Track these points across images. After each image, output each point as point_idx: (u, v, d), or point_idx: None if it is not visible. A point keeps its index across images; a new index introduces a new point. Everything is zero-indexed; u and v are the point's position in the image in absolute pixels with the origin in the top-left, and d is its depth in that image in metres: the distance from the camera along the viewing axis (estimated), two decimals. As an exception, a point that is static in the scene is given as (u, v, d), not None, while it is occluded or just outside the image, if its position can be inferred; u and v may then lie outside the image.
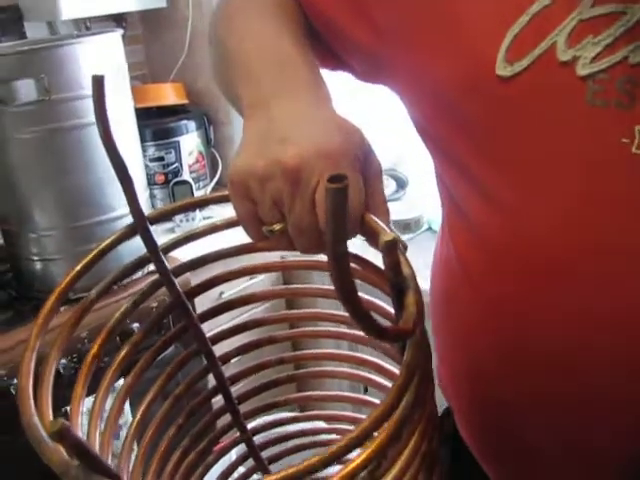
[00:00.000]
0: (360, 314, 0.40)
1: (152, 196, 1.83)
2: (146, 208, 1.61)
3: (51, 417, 0.47)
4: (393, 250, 0.42)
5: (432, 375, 0.52)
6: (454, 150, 0.62)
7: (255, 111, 0.55)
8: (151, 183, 1.87)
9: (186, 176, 1.97)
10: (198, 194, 1.99)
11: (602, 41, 0.53)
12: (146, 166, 1.85)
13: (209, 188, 2.08)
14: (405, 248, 0.51)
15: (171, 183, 1.94)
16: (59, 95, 1.42)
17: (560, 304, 0.56)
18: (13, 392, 1.41)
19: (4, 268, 1.67)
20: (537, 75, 0.55)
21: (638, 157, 0.52)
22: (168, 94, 2.05)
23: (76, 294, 0.66)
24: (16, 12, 1.91)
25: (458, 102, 0.59)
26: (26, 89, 1.41)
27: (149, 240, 0.60)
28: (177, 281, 0.66)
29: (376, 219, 0.50)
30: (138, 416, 0.65)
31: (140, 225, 0.59)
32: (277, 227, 0.51)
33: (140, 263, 0.63)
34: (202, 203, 0.65)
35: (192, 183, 1.95)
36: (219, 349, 0.74)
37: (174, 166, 1.97)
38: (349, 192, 0.37)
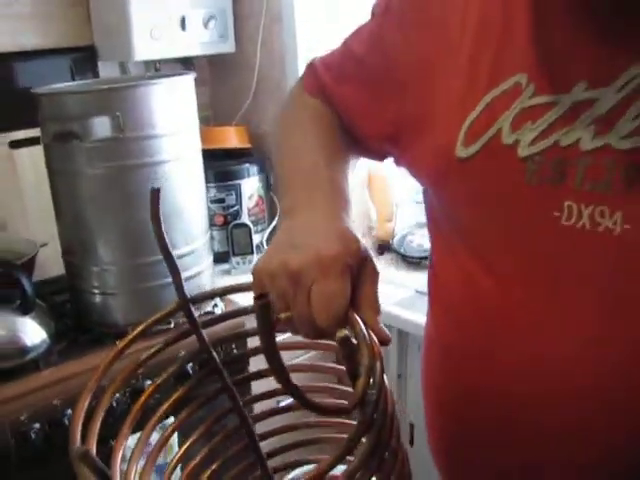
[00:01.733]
0: (299, 395, 0.54)
1: (211, 237, 1.90)
2: (206, 250, 1.68)
3: (94, 449, 0.57)
4: (345, 345, 0.54)
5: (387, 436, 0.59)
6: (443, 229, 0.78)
7: (283, 219, 0.71)
8: (210, 224, 1.95)
9: (245, 219, 2.04)
10: (256, 237, 2.05)
11: (539, 127, 0.63)
12: (207, 208, 1.93)
13: (266, 233, 2.14)
14: (386, 342, 0.61)
15: (230, 225, 2.01)
16: (132, 133, 1.51)
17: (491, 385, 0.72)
18: (66, 422, 1.47)
19: (64, 298, 1.74)
20: (487, 156, 0.67)
21: (566, 228, 0.63)
22: (232, 137, 2.14)
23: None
24: (91, 52, 2.03)
25: (436, 186, 0.75)
26: (101, 126, 1.50)
27: (191, 317, 0.74)
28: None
29: (357, 317, 0.60)
30: (176, 457, 0.77)
31: (184, 305, 0.73)
32: (283, 316, 0.63)
33: (184, 334, 0.77)
34: (239, 289, 0.76)
35: (251, 226, 2.02)
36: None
37: (234, 208, 2.05)
38: (331, 294, 0.58)
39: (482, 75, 0.68)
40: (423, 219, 0.88)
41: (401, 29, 0.76)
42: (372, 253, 0.67)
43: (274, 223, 2.16)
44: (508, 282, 0.69)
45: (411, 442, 1.88)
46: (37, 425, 1.44)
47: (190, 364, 1.56)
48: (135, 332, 0.73)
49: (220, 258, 2.01)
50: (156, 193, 0.63)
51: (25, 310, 1.50)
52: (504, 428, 0.71)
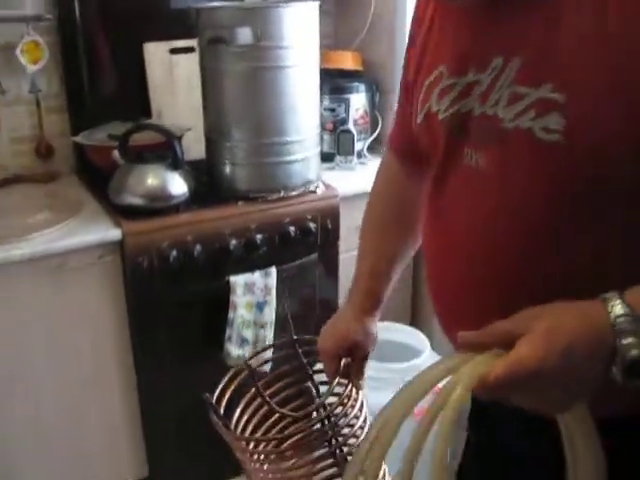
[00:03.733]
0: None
1: (321, 138, 2.40)
2: (315, 143, 2.18)
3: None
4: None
5: None
6: None
7: None
8: (322, 128, 2.45)
9: (351, 127, 2.55)
10: (358, 144, 2.56)
11: (449, 99, 0.91)
12: (321, 114, 2.43)
13: (368, 141, 2.64)
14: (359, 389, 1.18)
15: (338, 130, 2.53)
16: (266, 42, 2.03)
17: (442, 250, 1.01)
18: (194, 253, 2.04)
19: (203, 168, 2.31)
20: (426, 120, 0.97)
21: (465, 166, 0.90)
22: (348, 60, 2.65)
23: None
24: (240, -20, 2.57)
25: (416, 139, 1.05)
26: (244, 35, 2.02)
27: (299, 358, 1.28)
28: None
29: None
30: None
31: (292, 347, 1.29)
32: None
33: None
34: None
35: (355, 133, 2.53)
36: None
37: (342, 117, 2.57)
38: (324, 368, 1.20)
39: (425, 65, 0.98)
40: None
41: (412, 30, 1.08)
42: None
43: (374, 135, 2.66)
44: (443, 207, 0.98)
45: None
46: (174, 252, 2.02)
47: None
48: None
49: (327, 157, 2.52)
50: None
51: (175, 166, 2.08)
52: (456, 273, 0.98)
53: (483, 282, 0.90)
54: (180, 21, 2.43)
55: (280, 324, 2.20)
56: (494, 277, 0.88)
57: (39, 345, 2.01)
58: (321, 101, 2.43)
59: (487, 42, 0.85)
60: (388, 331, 2.17)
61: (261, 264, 2.16)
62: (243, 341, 2.15)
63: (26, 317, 1.96)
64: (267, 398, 1.23)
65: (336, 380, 1.14)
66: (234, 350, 2.15)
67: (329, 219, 2.22)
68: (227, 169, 2.19)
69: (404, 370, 2.02)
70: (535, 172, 0.81)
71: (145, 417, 2.21)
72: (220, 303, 2.12)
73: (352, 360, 1.18)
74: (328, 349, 1.19)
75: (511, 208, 0.84)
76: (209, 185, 2.26)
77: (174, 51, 2.51)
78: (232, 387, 1.20)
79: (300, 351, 1.28)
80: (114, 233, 1.98)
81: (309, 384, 1.29)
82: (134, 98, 2.49)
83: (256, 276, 2.14)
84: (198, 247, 2.05)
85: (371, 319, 1.21)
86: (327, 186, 2.29)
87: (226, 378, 1.22)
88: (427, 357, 2.12)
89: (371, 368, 1.95)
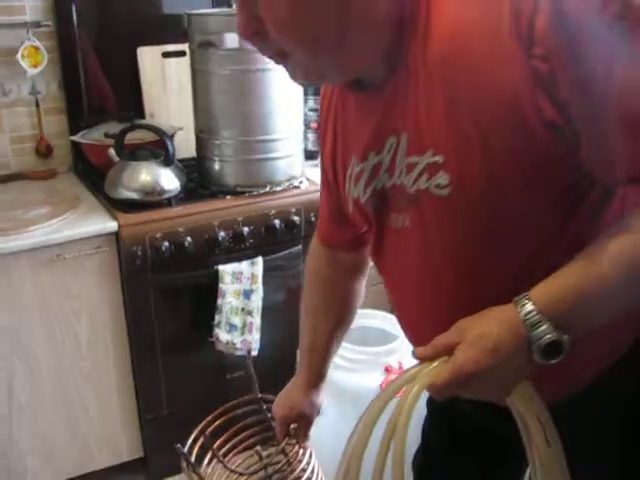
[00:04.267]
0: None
1: (305, 137, 2.55)
2: (298, 141, 2.33)
3: None
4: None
5: None
6: None
7: None
8: (307, 127, 2.60)
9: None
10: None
11: (362, 183, 1.04)
12: (305, 114, 2.58)
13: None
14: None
15: (321, 130, 2.68)
16: (252, 47, 2.17)
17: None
18: (185, 244, 2.18)
19: (193, 165, 2.46)
20: (354, 205, 1.10)
21: (394, 229, 1.03)
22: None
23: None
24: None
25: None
26: (231, 40, 2.17)
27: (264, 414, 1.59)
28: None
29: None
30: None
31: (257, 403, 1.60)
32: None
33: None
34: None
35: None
36: None
37: (326, 117, 2.71)
38: (276, 433, 1.46)
39: (339, 159, 1.11)
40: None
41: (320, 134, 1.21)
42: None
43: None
44: (386, 266, 1.13)
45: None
46: (166, 243, 2.17)
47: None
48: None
49: (311, 155, 2.67)
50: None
51: (167, 163, 2.23)
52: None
53: (430, 314, 1.06)
54: (172, 26, 2.57)
55: (266, 311, 2.35)
56: (437, 311, 1.03)
57: (38, 333, 2.15)
58: (306, 102, 2.58)
59: (379, 127, 0.97)
60: (368, 317, 2.32)
61: (248, 254, 2.31)
62: (232, 327, 2.30)
63: (26, 305, 2.10)
64: (221, 459, 1.52)
65: (284, 442, 1.44)
66: (223, 335, 2.29)
67: (312, 213, 2.36)
68: (216, 165, 2.34)
69: (381, 353, 2.16)
70: (441, 221, 0.95)
71: (140, 400, 2.36)
72: (209, 291, 2.26)
73: (298, 425, 1.44)
74: (279, 416, 1.44)
75: (433, 255, 0.99)
76: (199, 181, 2.41)
77: (166, 55, 2.66)
78: (201, 440, 1.53)
79: (264, 407, 1.57)
80: (110, 225, 2.12)
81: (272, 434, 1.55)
82: (128, 99, 2.64)
83: (243, 265, 2.29)
84: (189, 238, 2.20)
85: (315, 392, 1.43)
86: (311, 182, 2.44)
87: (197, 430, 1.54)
88: (402, 341, 2.26)
89: (350, 351, 2.12)
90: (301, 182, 2.40)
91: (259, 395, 1.58)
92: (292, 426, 1.42)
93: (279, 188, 2.35)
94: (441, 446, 1.38)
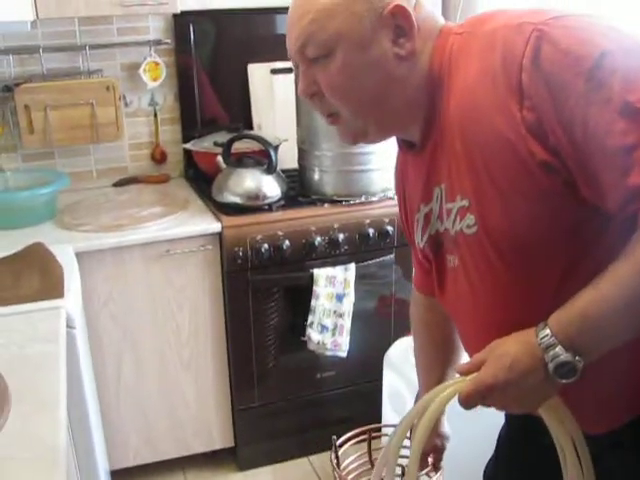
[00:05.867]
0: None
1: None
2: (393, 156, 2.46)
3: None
4: None
5: None
6: None
7: None
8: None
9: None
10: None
11: (420, 231, 1.22)
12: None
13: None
14: None
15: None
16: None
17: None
18: (284, 247, 2.35)
19: (295, 176, 2.63)
20: (420, 252, 1.27)
21: (450, 268, 1.17)
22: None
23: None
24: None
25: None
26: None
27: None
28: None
29: None
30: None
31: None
32: None
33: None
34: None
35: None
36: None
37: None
38: None
39: (408, 212, 1.28)
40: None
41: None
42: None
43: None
44: (447, 300, 1.25)
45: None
46: (266, 245, 2.34)
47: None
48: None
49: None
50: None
51: (269, 171, 2.42)
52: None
53: (480, 336, 1.14)
54: (281, 45, 2.74)
55: (356, 315, 2.49)
56: (485, 334, 1.10)
57: (145, 321, 2.37)
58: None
59: (427, 180, 1.14)
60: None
61: (342, 260, 2.46)
62: (323, 328, 2.45)
63: (136, 295, 2.33)
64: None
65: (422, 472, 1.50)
66: (315, 335, 2.44)
67: (405, 223, 2.49)
68: (316, 175, 2.51)
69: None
70: (475, 257, 1.08)
71: (234, 392, 2.54)
72: (304, 292, 2.42)
73: (433, 456, 1.52)
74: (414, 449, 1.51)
75: (476, 288, 1.12)
76: (299, 189, 2.58)
77: (274, 71, 2.86)
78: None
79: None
80: (215, 226, 2.32)
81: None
82: (238, 112, 2.85)
83: (337, 270, 2.44)
84: (287, 242, 2.37)
85: (439, 424, 1.50)
86: (404, 194, 2.57)
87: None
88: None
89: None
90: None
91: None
92: (430, 460, 1.52)
93: (374, 198, 2.49)
94: (515, 457, 1.45)
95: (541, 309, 1.00)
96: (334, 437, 1.67)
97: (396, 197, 1.37)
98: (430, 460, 1.52)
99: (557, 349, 0.93)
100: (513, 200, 0.99)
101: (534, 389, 0.98)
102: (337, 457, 1.64)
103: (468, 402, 1.01)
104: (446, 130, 1.05)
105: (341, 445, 1.70)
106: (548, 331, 0.95)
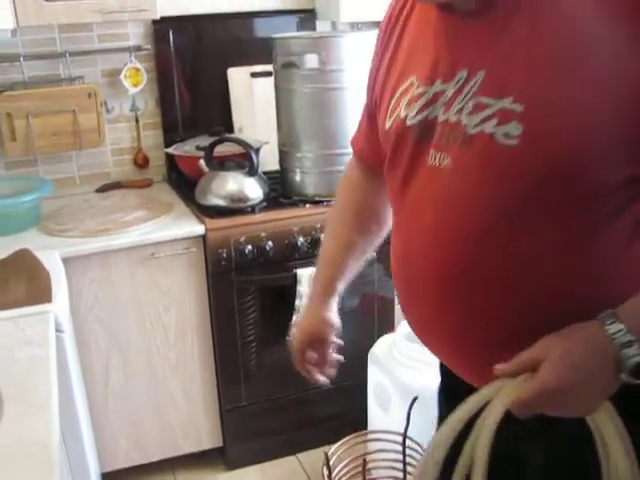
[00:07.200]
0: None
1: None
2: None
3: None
4: None
5: None
6: None
7: None
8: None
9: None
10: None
11: (417, 107, 1.02)
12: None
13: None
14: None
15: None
16: (330, 67, 2.38)
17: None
18: (267, 248, 2.40)
19: (277, 177, 2.68)
20: (395, 125, 1.07)
21: (429, 166, 1.00)
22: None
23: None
24: (312, 13, 2.95)
25: (382, 142, 1.15)
26: (311, 61, 2.38)
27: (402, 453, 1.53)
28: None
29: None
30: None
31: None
32: None
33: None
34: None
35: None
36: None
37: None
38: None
39: (393, 74, 1.09)
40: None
41: (377, 45, 1.19)
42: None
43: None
44: (409, 203, 1.07)
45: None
46: (249, 246, 2.38)
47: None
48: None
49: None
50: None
51: (251, 174, 2.46)
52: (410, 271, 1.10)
53: (444, 262, 1.01)
54: (260, 49, 2.82)
55: (340, 314, 2.52)
56: (455, 257, 0.99)
57: (132, 324, 2.40)
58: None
59: (455, 54, 0.96)
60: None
61: (324, 259, 2.50)
62: (307, 327, 2.49)
63: (122, 298, 2.36)
64: None
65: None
66: (299, 335, 2.49)
67: (385, 222, 2.54)
68: (297, 176, 2.55)
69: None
70: (492, 170, 0.92)
71: (221, 393, 2.58)
72: (288, 292, 2.47)
73: (316, 348, 1.39)
74: (295, 341, 1.39)
75: (472, 199, 0.95)
76: (281, 190, 2.63)
77: (254, 75, 2.91)
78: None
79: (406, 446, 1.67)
80: (199, 229, 2.36)
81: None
82: (219, 115, 2.89)
83: (319, 270, 2.48)
84: (270, 243, 2.41)
85: (325, 308, 1.37)
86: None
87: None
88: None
89: (416, 351, 2.26)
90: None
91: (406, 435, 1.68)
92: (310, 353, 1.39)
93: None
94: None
95: (545, 269, 0.91)
96: (326, 452, 1.68)
97: (378, 45, 1.19)
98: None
99: (635, 346, 0.83)
100: (583, 122, 0.85)
101: (600, 391, 0.88)
102: (329, 470, 1.67)
103: (527, 410, 0.88)
104: (529, 6, 0.89)
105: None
106: (622, 326, 0.84)
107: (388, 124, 1.09)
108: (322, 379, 1.41)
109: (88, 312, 2.33)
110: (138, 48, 2.76)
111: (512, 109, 0.88)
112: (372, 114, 1.23)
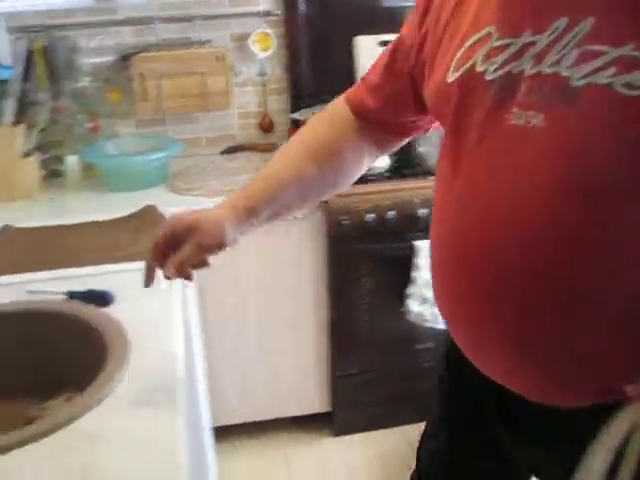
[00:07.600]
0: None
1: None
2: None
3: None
4: None
5: None
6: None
7: None
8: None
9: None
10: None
11: (499, 60, 0.90)
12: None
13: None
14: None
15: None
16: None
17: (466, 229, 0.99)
18: (388, 218, 2.38)
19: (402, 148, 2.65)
20: (465, 79, 0.95)
21: (512, 126, 0.88)
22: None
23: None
24: None
25: (436, 101, 1.05)
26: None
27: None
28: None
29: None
30: None
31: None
32: None
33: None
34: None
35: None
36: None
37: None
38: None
39: (464, 26, 0.97)
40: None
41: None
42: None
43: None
44: (469, 176, 0.96)
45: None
46: (370, 215, 2.38)
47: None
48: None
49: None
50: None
51: (376, 142, 2.44)
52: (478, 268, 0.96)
53: (532, 238, 0.88)
54: (388, 17, 2.79)
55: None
56: (544, 239, 0.86)
57: (249, 285, 2.45)
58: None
59: (550, 2, 0.86)
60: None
61: (444, 233, 2.47)
62: (424, 300, 2.47)
63: (242, 256, 2.40)
64: None
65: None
66: (415, 307, 2.47)
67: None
68: (420, 148, 2.53)
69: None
70: (607, 125, 0.79)
71: (333, 359, 2.60)
72: (404, 263, 2.45)
73: (197, 249, 1.14)
74: (163, 230, 1.15)
75: (578, 161, 0.82)
76: (404, 162, 2.60)
77: (382, 43, 2.87)
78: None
79: None
80: (321, 194, 2.37)
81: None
82: (345, 83, 2.86)
83: (439, 242, 2.45)
84: (391, 213, 2.40)
85: (236, 219, 1.16)
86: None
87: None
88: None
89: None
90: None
91: None
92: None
93: (478, 171, 2.48)
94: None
95: None
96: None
97: None
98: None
99: None
100: None
101: None
102: None
103: None
104: None
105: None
106: None
107: (452, 77, 0.97)
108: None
109: (210, 269, 2.37)
110: (268, 13, 2.78)
111: (634, 56, 0.76)
112: (393, 69, 1.19)
